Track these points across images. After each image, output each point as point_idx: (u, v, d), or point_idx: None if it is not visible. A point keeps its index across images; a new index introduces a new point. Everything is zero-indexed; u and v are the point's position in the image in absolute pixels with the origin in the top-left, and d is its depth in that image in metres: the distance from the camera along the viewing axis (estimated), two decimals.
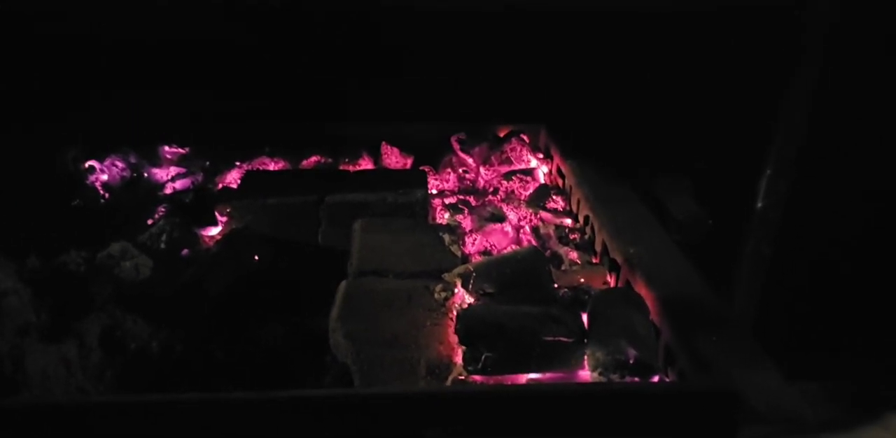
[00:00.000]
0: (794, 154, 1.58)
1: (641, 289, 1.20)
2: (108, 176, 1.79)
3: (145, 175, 1.83)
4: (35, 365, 1.13)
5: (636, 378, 0.97)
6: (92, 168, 1.78)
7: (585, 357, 1.03)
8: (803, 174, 1.62)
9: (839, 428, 2.09)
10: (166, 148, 1.90)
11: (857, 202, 1.66)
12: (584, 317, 1.12)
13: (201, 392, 0.99)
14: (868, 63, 1.61)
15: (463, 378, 1.06)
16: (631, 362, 0.97)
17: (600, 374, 0.98)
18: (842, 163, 1.63)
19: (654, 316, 1.14)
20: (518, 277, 1.21)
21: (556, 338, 1.02)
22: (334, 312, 1.18)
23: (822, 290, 1.73)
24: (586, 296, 1.19)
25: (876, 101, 1.62)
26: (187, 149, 1.90)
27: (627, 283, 1.26)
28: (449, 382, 1.06)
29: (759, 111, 1.66)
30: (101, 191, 1.75)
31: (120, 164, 1.80)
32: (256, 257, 1.43)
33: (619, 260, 1.33)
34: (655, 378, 0.98)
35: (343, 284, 1.27)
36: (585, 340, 1.05)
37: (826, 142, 1.63)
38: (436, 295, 1.23)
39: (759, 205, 1.59)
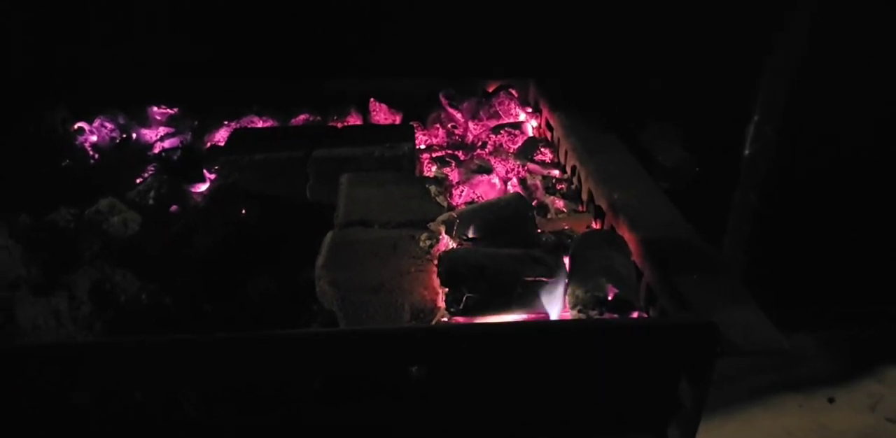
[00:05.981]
0: (782, 99, 1.55)
1: (624, 233, 1.21)
2: (98, 137, 1.78)
3: (134, 136, 1.83)
4: (25, 316, 1.15)
5: (615, 315, 0.98)
6: (81, 129, 1.78)
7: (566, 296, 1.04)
8: (791, 119, 1.60)
9: (833, 381, 2.11)
10: (155, 108, 1.89)
11: (845, 148, 1.64)
12: (567, 260, 1.13)
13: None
14: (859, 6, 1.57)
15: (446, 320, 1.07)
16: (610, 299, 0.97)
17: (579, 312, 0.99)
18: (830, 108, 1.61)
19: (636, 257, 1.14)
20: (502, 223, 1.21)
21: (537, 278, 1.03)
22: (320, 261, 1.19)
23: (810, 238, 1.72)
24: (569, 240, 1.19)
25: (867, 46, 1.59)
26: (175, 109, 1.89)
27: (611, 227, 1.26)
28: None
29: (746, 56, 1.63)
30: (91, 152, 1.75)
31: (109, 125, 1.80)
32: (243, 211, 1.44)
33: (603, 206, 1.32)
34: (635, 315, 0.99)
35: (329, 234, 1.27)
36: (567, 280, 1.06)
37: (815, 86, 1.60)
38: (421, 243, 1.23)
39: (747, 151, 1.57)
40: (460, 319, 1.05)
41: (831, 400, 2.05)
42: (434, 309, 1.10)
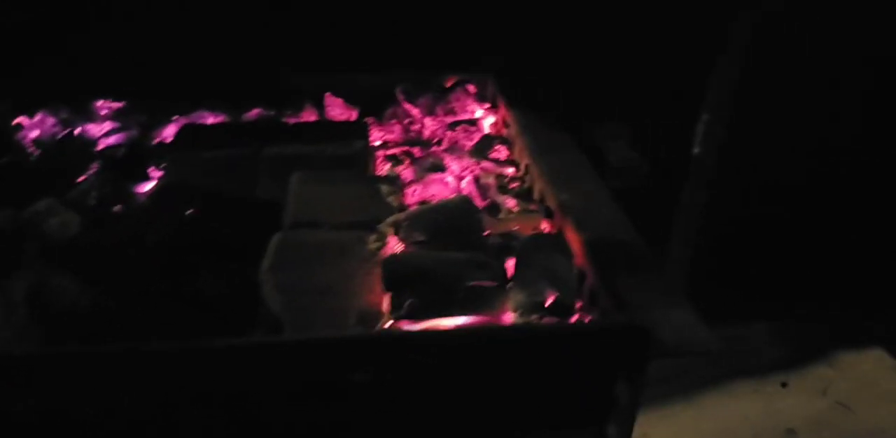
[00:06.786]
0: (730, 99, 1.58)
1: (571, 234, 1.22)
2: (39, 132, 1.72)
3: (78, 131, 1.77)
4: None
5: (555, 319, 0.99)
6: (20, 125, 1.72)
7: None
8: (739, 119, 1.63)
9: (786, 367, 2.18)
10: (100, 102, 1.83)
11: (793, 148, 1.68)
12: (511, 263, 1.13)
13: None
14: (805, 11, 1.60)
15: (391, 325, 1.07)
16: (550, 303, 0.98)
17: (520, 316, 1.00)
18: (778, 109, 1.64)
19: (580, 259, 1.15)
20: (449, 225, 1.21)
21: (480, 283, 1.03)
22: (265, 264, 1.18)
23: (757, 236, 1.76)
24: (515, 243, 1.19)
25: (812, 49, 1.63)
26: (122, 103, 1.84)
27: (558, 229, 1.27)
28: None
29: (697, 55, 1.66)
30: (32, 149, 1.69)
31: (50, 120, 1.74)
32: (190, 211, 1.41)
33: (553, 206, 1.33)
34: (574, 319, 1.00)
35: (276, 236, 1.26)
36: (509, 284, 1.06)
37: (763, 87, 1.64)
38: (369, 246, 1.23)
39: (696, 150, 1.60)
40: (404, 324, 1.06)
41: (784, 385, 2.11)
42: (379, 313, 1.10)
